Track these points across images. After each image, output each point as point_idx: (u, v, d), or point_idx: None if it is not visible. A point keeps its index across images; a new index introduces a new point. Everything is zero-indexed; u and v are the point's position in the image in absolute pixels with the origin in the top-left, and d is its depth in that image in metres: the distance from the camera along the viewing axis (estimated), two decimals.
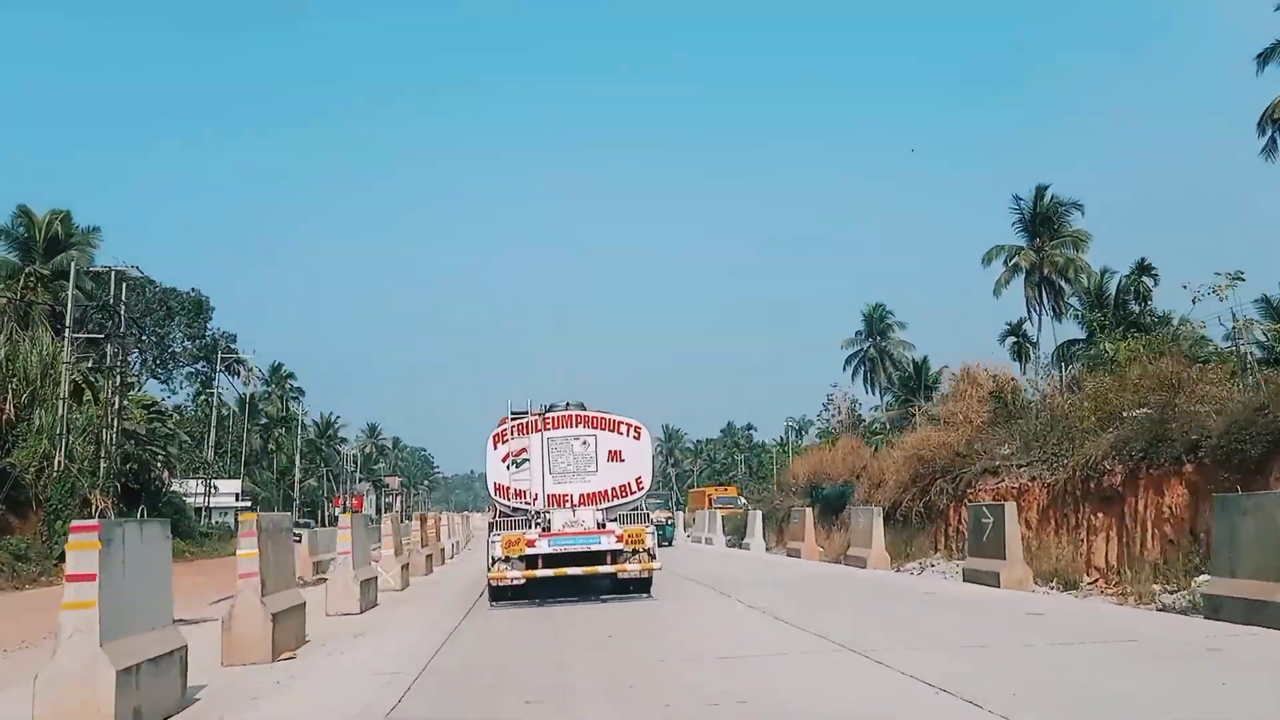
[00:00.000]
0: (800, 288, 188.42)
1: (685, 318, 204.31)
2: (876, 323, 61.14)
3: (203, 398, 55.45)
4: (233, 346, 50.39)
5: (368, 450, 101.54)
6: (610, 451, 10.82)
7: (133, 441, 28.98)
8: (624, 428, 10.97)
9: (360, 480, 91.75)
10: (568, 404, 11.32)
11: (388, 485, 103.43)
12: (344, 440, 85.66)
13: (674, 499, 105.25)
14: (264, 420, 65.70)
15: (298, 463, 65.68)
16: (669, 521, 29.63)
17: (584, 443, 10.80)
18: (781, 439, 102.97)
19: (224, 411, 58.32)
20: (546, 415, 10.83)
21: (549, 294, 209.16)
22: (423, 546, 16.94)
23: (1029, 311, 40.73)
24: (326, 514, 69.21)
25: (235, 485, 53.09)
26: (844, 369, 61.93)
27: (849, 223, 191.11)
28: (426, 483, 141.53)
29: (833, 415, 56.05)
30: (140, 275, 31.75)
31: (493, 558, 10.14)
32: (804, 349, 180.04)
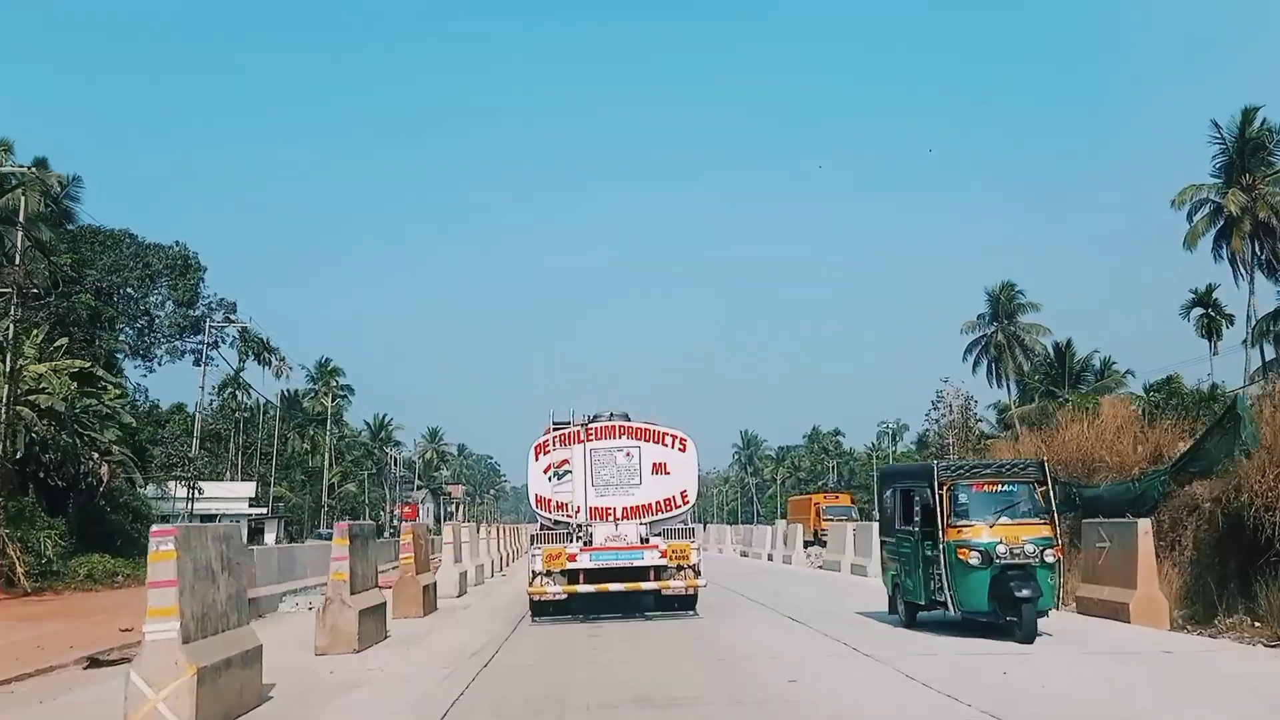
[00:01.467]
0: (899, 279, 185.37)
1: (768, 321, 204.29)
2: (1003, 304, 56.55)
3: (229, 391, 54.24)
4: (231, 317, 43.71)
5: (428, 456, 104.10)
6: (655, 464, 11.41)
7: (49, 422, 22.78)
8: (669, 439, 11.53)
9: (419, 488, 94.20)
10: (611, 414, 12.04)
11: (450, 494, 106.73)
12: (399, 444, 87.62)
13: (755, 509, 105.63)
14: (300, 419, 64.37)
15: (327, 463, 63.07)
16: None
17: (628, 454, 11.41)
18: (873, 445, 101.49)
19: (250, 407, 55.97)
20: (589, 426, 11.53)
21: (622, 301, 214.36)
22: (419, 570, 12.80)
23: (1235, 271, 35.89)
24: (379, 523, 70.59)
25: (246, 489, 47.22)
26: (964, 358, 57.35)
27: (961, 195, 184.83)
28: (493, 491, 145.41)
29: (942, 415, 53.40)
30: (31, 176, 26.39)
31: (533, 571, 10.85)
32: (899, 349, 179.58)
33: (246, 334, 55.71)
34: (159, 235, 44.14)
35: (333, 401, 68.03)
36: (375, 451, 79.43)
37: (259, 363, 58.13)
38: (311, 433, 65.21)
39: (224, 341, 45.18)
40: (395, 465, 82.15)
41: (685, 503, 11.45)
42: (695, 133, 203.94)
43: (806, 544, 27.29)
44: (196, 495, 39.07)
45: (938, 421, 54.82)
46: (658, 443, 11.51)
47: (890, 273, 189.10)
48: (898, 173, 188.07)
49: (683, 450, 11.55)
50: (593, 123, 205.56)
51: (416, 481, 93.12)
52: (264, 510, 46.62)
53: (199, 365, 40.52)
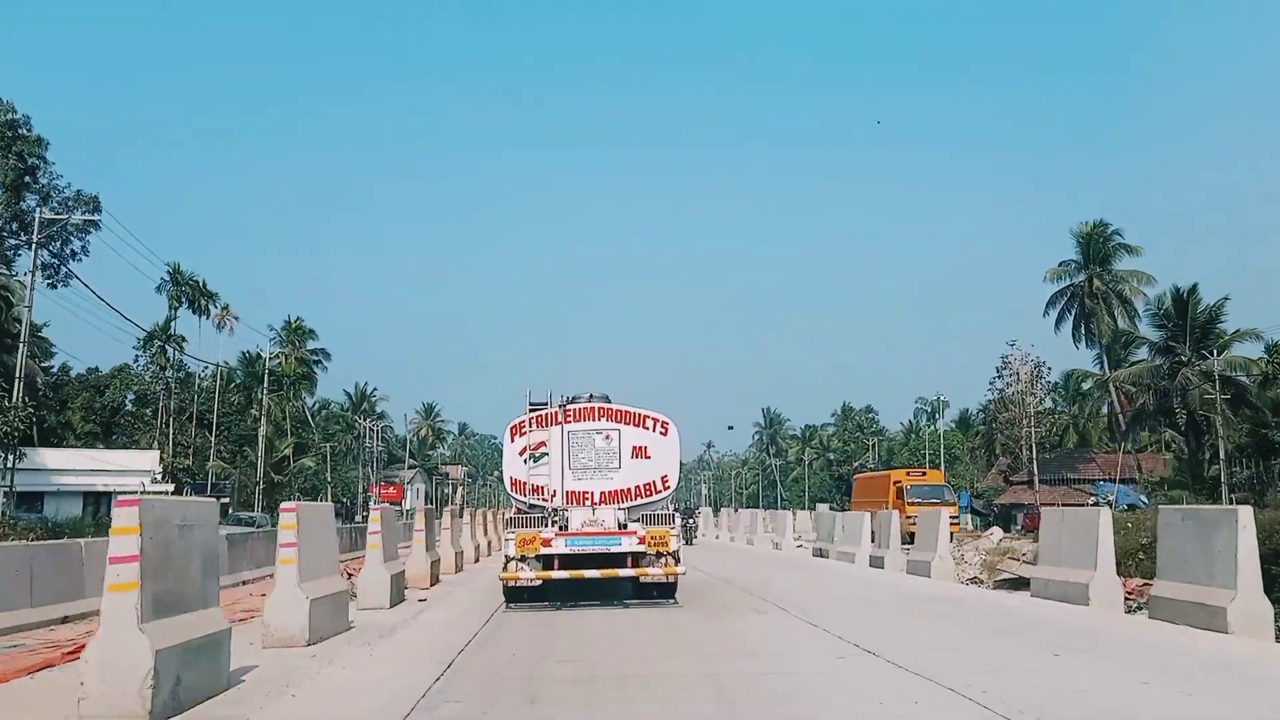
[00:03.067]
0: (932, 249, 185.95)
1: (788, 294, 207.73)
2: (1095, 248, 52.54)
3: (156, 346, 50.65)
4: (95, 218, 35.28)
5: (423, 433, 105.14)
6: (635, 447, 12.04)
7: None
8: (650, 422, 12.16)
9: (411, 467, 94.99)
10: (591, 396, 12.66)
11: (448, 475, 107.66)
12: (381, 416, 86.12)
13: (778, 493, 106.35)
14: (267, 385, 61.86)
15: (263, 430, 57.68)
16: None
17: (606, 437, 12.07)
18: (909, 424, 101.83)
19: (191, 368, 54.00)
20: (567, 407, 12.17)
21: (637, 280, 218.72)
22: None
23: None
24: (352, 505, 67.36)
25: (144, 459, 44.12)
26: (1045, 313, 54.20)
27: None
28: (496, 474, 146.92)
29: (1007, 385, 49.13)
30: None
31: (507, 556, 11.56)
32: (935, 321, 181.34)
33: (179, 277, 52.69)
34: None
35: (297, 365, 65.60)
36: (356, 424, 77.17)
37: (194, 311, 54.37)
38: (262, 397, 59.92)
39: (85, 253, 36.73)
40: (374, 439, 78.86)
41: (666, 488, 12.04)
42: (713, 104, 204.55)
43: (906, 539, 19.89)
44: (19, 464, 34.01)
45: (1001, 392, 49.94)
46: (638, 426, 12.10)
47: (923, 241, 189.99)
48: (937, 128, 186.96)
49: (664, 434, 12.11)
50: (618, 92, 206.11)
51: (408, 460, 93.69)
52: (168, 486, 42.63)
53: (56, 286, 34.79)
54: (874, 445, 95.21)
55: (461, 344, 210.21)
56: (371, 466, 77.51)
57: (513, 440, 12.25)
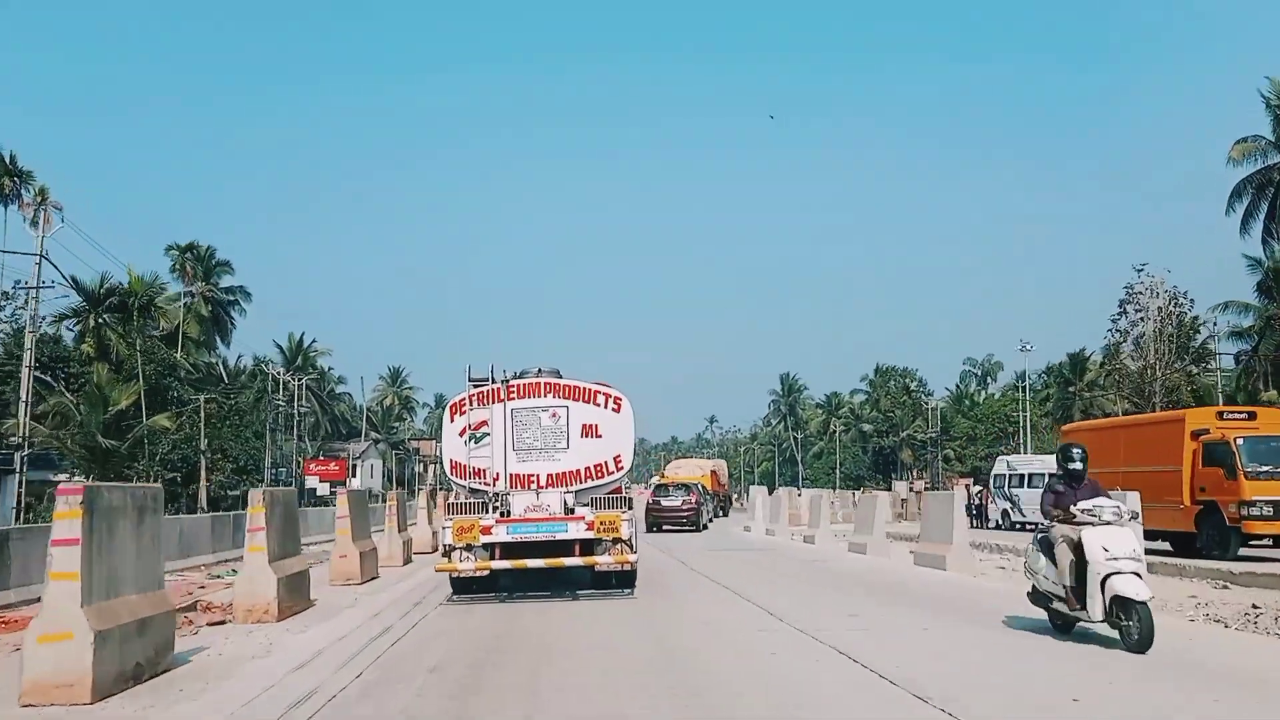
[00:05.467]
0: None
1: (805, 250, 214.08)
2: None
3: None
4: None
5: (388, 403, 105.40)
6: (584, 426, 12.91)
7: None
8: (601, 398, 13.07)
9: (376, 441, 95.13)
10: (539, 370, 13.51)
11: (418, 450, 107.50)
12: (329, 378, 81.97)
13: (798, 470, 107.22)
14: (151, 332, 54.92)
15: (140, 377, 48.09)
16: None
17: (553, 415, 12.94)
18: (956, 389, 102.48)
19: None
20: (510, 383, 13.04)
21: (641, 247, 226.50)
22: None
23: None
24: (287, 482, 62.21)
25: None
26: (1228, 210, 45.95)
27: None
28: None
29: (1131, 325, 43.62)
30: None
31: (445, 545, 12.47)
32: (974, 276, 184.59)
33: None
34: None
35: (220, 313, 62.96)
36: (289, 384, 71.68)
37: None
38: (132, 335, 50.86)
39: None
40: (294, 400, 71.90)
41: (619, 469, 12.95)
42: (715, 71, 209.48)
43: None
44: None
45: (1125, 333, 44.19)
46: (588, 402, 12.99)
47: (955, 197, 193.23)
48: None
49: (617, 411, 12.99)
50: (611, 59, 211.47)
51: (364, 431, 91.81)
52: None
53: None
54: (925, 413, 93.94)
55: (442, 313, 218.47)
56: (294, 434, 71.66)
57: (452, 420, 13.12)
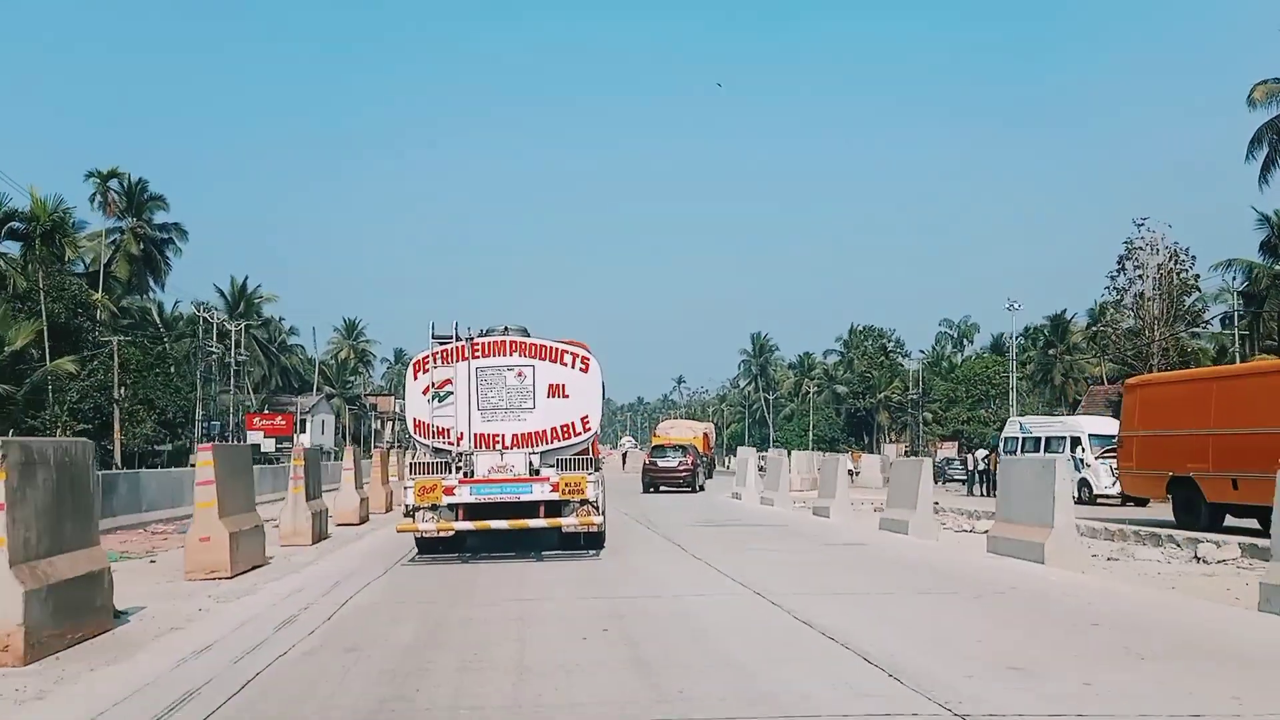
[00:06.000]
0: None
1: (784, 210, 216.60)
2: None
3: None
4: None
5: (343, 356, 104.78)
6: (551, 385, 13.12)
7: None
8: (568, 358, 13.27)
9: (330, 396, 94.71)
10: (506, 328, 13.77)
11: (375, 407, 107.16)
12: (266, 322, 80.00)
13: (769, 432, 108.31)
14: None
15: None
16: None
17: (519, 374, 13.15)
18: (930, 351, 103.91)
19: None
20: (475, 341, 13.24)
21: (612, 201, 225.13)
22: None
23: None
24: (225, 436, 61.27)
25: None
26: (1247, 156, 44.10)
27: None
28: None
29: (1129, 283, 43.17)
30: None
31: (407, 506, 12.79)
32: (944, 234, 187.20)
33: None
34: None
35: (149, 249, 59.77)
36: (231, 330, 68.94)
37: None
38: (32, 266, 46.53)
39: None
40: (229, 349, 68.43)
41: (586, 429, 13.20)
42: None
43: None
44: None
45: (1123, 290, 43.78)
46: (555, 361, 13.19)
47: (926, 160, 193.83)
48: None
49: (584, 370, 13.24)
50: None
51: (316, 384, 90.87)
52: None
53: None
54: (915, 371, 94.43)
55: (400, 265, 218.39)
56: (212, 384, 68.06)
57: (415, 378, 13.33)
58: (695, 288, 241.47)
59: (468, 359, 13.18)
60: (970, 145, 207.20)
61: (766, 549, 14.72)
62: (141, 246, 60.98)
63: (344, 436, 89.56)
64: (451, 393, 13.13)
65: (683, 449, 37.85)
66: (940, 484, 45.98)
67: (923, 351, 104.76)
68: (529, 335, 13.76)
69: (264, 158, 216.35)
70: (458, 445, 13.03)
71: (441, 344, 13.31)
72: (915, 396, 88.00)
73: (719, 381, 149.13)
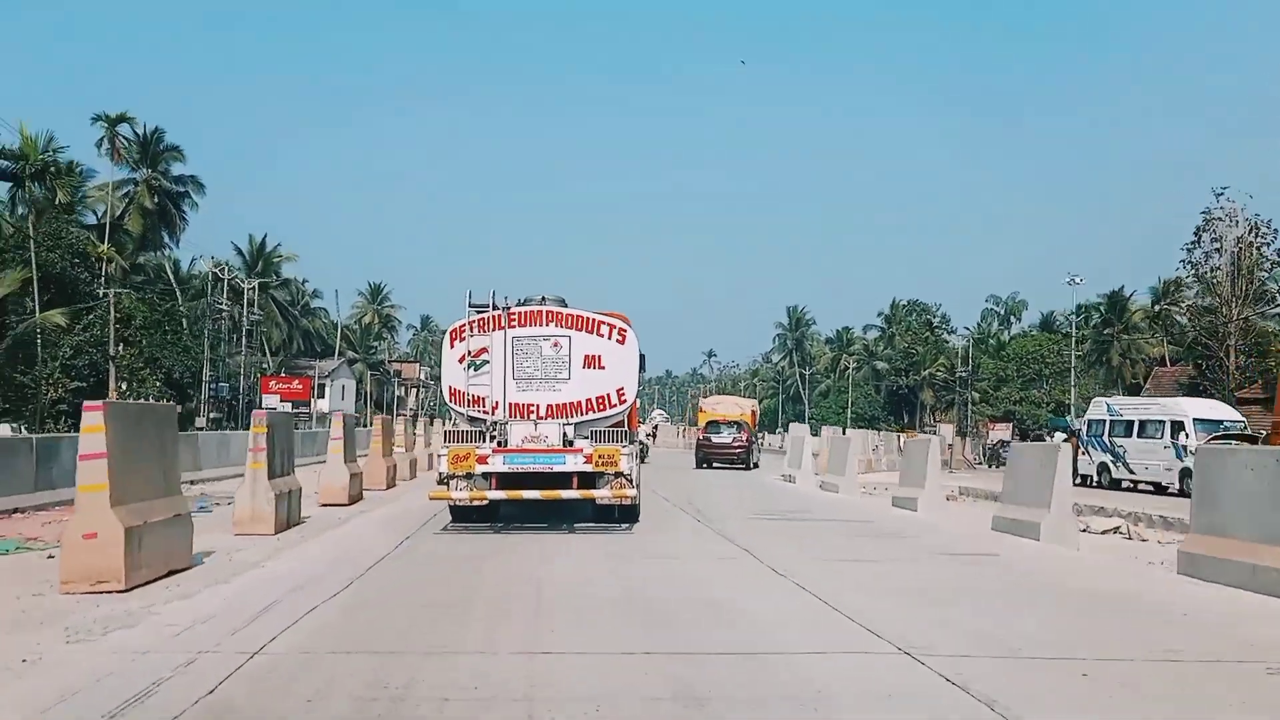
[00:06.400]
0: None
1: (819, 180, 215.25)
2: None
3: None
4: None
5: (367, 320, 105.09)
6: (587, 356, 13.42)
7: None
8: (605, 329, 13.52)
9: (340, 359, 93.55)
10: (544, 298, 14.02)
11: (399, 374, 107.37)
12: (285, 282, 78.61)
13: (805, 408, 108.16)
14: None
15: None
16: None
17: (555, 344, 13.44)
18: (976, 328, 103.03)
19: None
20: (511, 310, 13.54)
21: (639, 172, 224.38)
22: None
23: None
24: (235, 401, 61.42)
25: None
26: None
27: None
28: None
29: (1204, 257, 41.92)
30: None
31: (440, 474, 13.19)
32: (992, 208, 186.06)
33: None
34: None
35: (165, 203, 58.41)
36: (244, 287, 67.60)
37: None
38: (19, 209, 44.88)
39: None
40: (246, 306, 66.44)
41: (622, 401, 13.42)
42: None
43: None
44: None
45: (1198, 265, 42.61)
46: (591, 332, 13.42)
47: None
48: None
49: (621, 342, 13.45)
50: None
51: (338, 349, 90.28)
52: None
53: None
54: (964, 347, 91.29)
55: (427, 230, 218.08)
56: (263, 349, 67.65)
57: (452, 346, 13.66)
58: (729, 258, 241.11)
59: (504, 328, 13.54)
60: (1027, 108, 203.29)
61: (862, 558, 11.92)
62: (156, 200, 59.58)
63: (366, 403, 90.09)
64: (487, 361, 13.51)
65: (737, 425, 38.19)
66: (995, 468, 44.97)
67: (968, 329, 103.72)
68: (566, 306, 14.02)
69: (288, 114, 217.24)
70: (492, 414, 13.42)
71: (478, 312, 13.69)
72: (964, 374, 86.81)
73: (749, 356, 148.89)
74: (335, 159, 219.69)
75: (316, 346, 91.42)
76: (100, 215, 55.21)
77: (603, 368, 13.48)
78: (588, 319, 13.63)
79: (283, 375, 71.00)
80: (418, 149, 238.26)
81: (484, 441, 13.23)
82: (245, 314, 66.59)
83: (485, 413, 13.43)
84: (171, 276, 63.41)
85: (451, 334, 13.84)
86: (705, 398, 67.59)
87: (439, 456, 13.47)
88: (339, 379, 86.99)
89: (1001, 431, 60.44)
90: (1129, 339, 75.68)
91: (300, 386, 66.35)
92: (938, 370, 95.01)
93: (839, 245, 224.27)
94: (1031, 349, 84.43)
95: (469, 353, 13.52)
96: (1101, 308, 79.57)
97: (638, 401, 14.38)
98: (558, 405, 13.41)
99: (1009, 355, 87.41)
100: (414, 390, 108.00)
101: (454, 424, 14.00)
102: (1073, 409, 65.40)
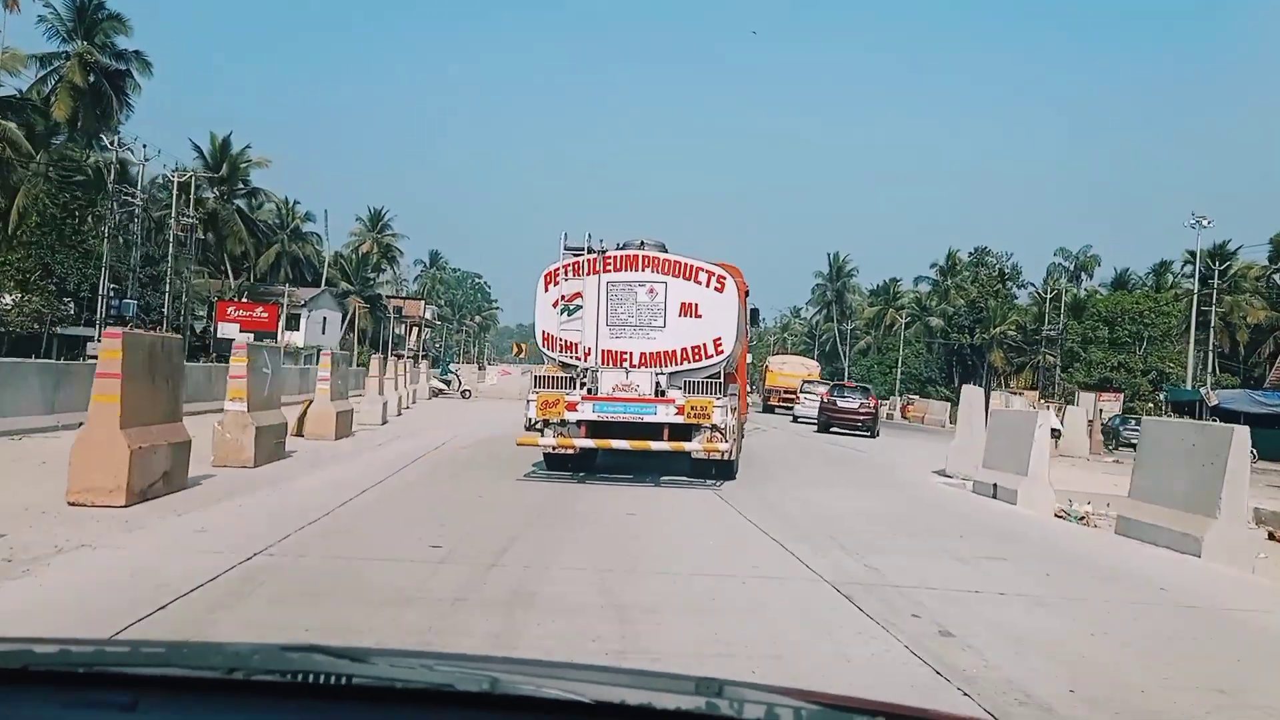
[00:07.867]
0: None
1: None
2: None
3: None
4: None
5: (365, 249, 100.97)
6: (683, 304, 14.30)
7: None
8: (704, 276, 14.36)
9: (346, 293, 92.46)
10: (642, 242, 14.89)
11: (400, 310, 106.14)
12: (246, 188, 75.14)
13: (844, 366, 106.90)
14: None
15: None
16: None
17: (651, 291, 14.35)
18: (1042, 286, 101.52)
19: None
20: (607, 254, 14.45)
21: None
22: None
23: None
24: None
25: None
26: None
27: None
28: (480, 319, 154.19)
29: None
30: None
31: (528, 419, 14.18)
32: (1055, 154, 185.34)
33: None
34: None
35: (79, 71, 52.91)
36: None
37: None
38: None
39: None
40: (179, 205, 57.79)
41: (719, 353, 14.26)
42: None
43: None
44: None
45: None
46: (689, 279, 14.30)
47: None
48: None
49: (720, 290, 14.29)
50: None
51: (325, 276, 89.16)
52: None
53: None
54: (1058, 298, 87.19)
55: (434, 155, 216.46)
56: (212, 262, 64.49)
57: (546, 289, 14.65)
58: (765, 204, 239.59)
59: (598, 272, 14.36)
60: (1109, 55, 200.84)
61: None
62: (90, 78, 54.34)
63: (357, 339, 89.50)
64: (580, 306, 14.37)
65: (865, 390, 40.78)
66: (1113, 448, 44.01)
67: (1032, 284, 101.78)
68: (666, 251, 14.76)
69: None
70: (584, 360, 14.31)
71: (574, 255, 14.52)
72: (1052, 333, 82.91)
73: (779, 308, 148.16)
74: (333, 71, 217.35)
75: (307, 275, 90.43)
76: (23, 94, 50.43)
77: (699, 316, 14.30)
78: (685, 265, 14.41)
79: (244, 301, 67.36)
80: (431, 76, 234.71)
81: (574, 388, 14.15)
82: (175, 211, 57.37)
83: (577, 359, 14.35)
84: (106, 174, 54.33)
85: (546, 277, 14.72)
86: (773, 356, 68.07)
87: (527, 403, 14.31)
88: (319, 309, 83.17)
89: (1108, 402, 58.04)
90: (1231, 300, 74.68)
91: (265, 315, 62.91)
92: (1009, 328, 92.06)
93: (885, 192, 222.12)
94: (1129, 306, 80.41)
95: (563, 297, 14.42)
96: (1206, 263, 73.32)
97: (746, 354, 15.16)
98: (651, 354, 14.29)
99: (1096, 314, 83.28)
100: (415, 329, 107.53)
101: (545, 370, 14.91)
102: (1191, 377, 64.73)
